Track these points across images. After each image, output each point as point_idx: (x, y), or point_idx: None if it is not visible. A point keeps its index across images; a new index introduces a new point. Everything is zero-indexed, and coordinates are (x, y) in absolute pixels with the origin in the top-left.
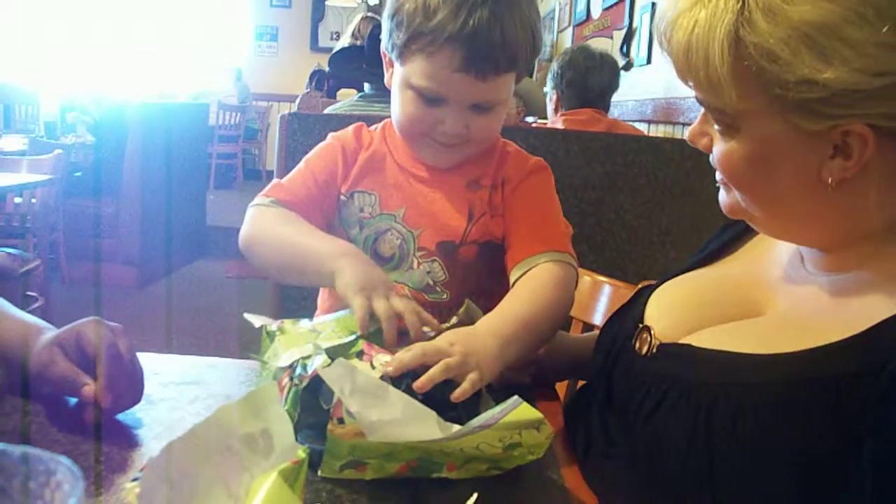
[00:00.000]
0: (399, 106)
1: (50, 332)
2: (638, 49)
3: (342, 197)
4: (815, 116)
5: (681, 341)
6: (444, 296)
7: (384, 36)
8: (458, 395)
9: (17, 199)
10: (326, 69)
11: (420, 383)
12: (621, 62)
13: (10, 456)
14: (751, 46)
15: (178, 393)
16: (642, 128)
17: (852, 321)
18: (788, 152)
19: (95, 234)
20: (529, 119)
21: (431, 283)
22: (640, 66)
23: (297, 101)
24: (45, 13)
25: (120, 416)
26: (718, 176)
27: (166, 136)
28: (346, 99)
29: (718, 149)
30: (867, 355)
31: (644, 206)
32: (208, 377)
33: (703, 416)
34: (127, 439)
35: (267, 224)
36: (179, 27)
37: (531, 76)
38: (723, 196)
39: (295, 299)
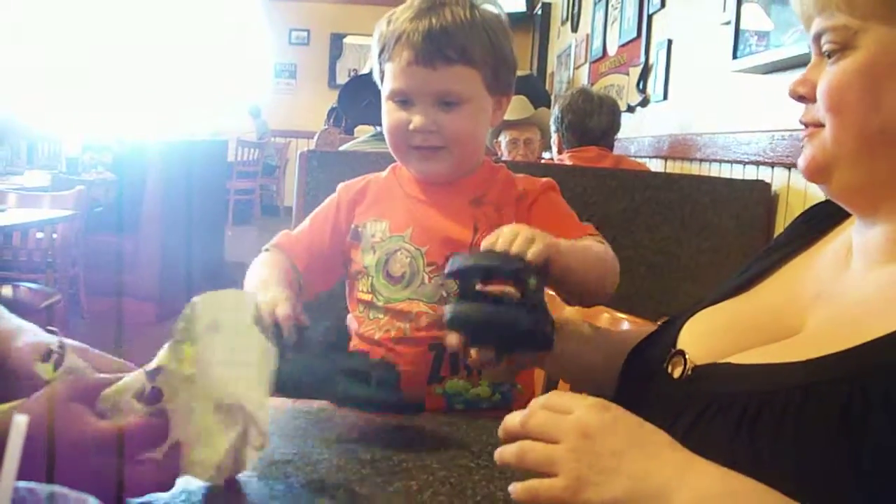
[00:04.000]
0: (384, 122)
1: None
2: (654, 85)
3: (357, 228)
4: None
5: (718, 361)
6: None
7: (374, 69)
8: (533, 255)
9: (39, 234)
10: None
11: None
12: (638, 98)
13: (37, 495)
14: None
15: None
16: (658, 163)
17: (891, 304)
18: None
19: (115, 269)
20: (546, 155)
21: (445, 294)
22: (657, 102)
23: (316, 137)
24: (68, 54)
25: None
26: (806, 122)
27: (186, 172)
28: (361, 136)
29: (828, 75)
30: None
31: (662, 243)
32: None
33: (746, 427)
34: None
35: (251, 268)
36: (199, 65)
37: (547, 105)
38: (805, 153)
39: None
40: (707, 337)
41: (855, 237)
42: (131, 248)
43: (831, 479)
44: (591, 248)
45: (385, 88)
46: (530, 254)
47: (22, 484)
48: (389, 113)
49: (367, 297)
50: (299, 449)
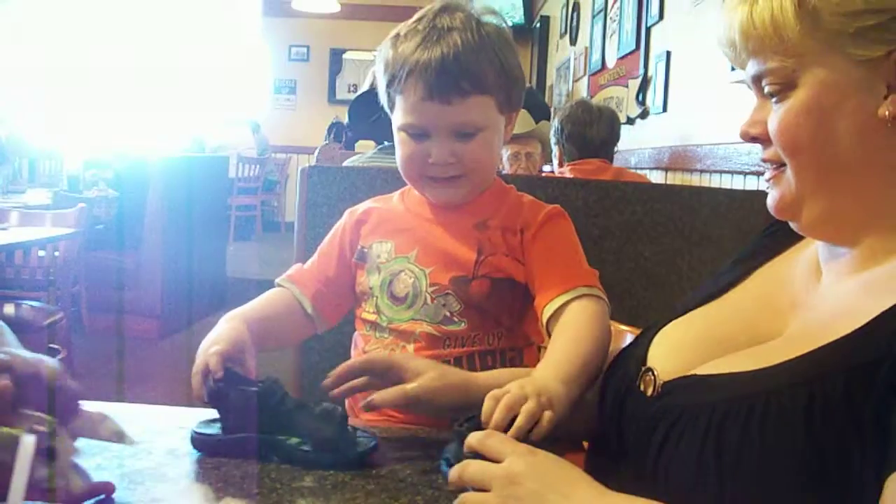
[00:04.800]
0: (398, 150)
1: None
2: (654, 97)
3: (363, 249)
4: (872, 43)
5: (686, 374)
6: (462, 325)
7: (381, 94)
8: (537, 434)
9: (41, 252)
10: (344, 121)
11: (514, 433)
12: (637, 110)
13: None
14: None
15: None
16: (659, 175)
17: (858, 315)
18: (846, 92)
19: (117, 286)
20: (546, 168)
21: (448, 314)
22: (657, 114)
23: (316, 152)
24: (68, 71)
25: (144, 471)
26: (769, 167)
27: (187, 188)
28: (365, 150)
29: (776, 117)
30: (870, 346)
31: (664, 255)
32: None
33: (712, 437)
34: (152, 493)
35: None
36: (199, 81)
37: (547, 118)
38: (771, 195)
39: (317, 350)
40: (675, 350)
41: (821, 253)
42: (133, 264)
43: (796, 484)
44: (587, 336)
45: (397, 119)
46: (535, 435)
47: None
48: (404, 144)
49: (373, 317)
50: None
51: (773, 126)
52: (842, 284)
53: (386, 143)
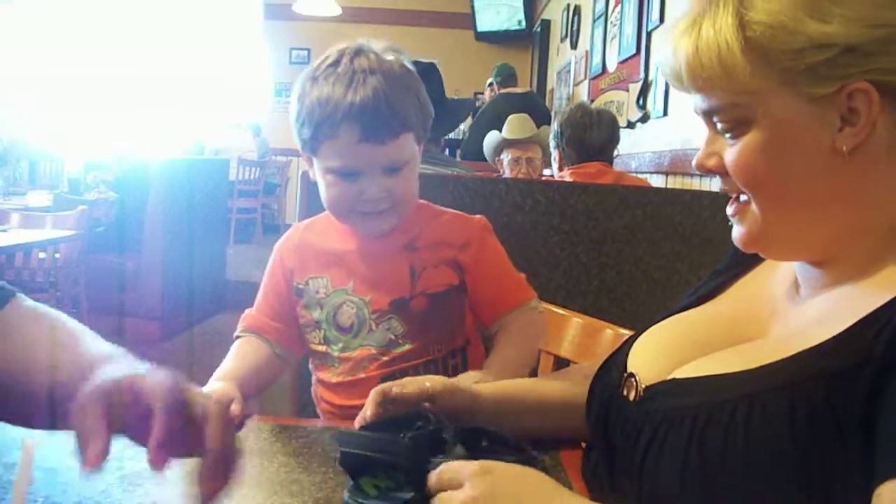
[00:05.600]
0: (325, 191)
1: (113, 365)
2: (654, 101)
3: (299, 285)
4: (823, 80)
5: (667, 378)
6: (407, 346)
7: (297, 141)
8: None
9: (42, 254)
10: None
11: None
12: (638, 115)
13: None
14: (756, 25)
15: None
16: (660, 179)
17: (835, 323)
18: (801, 129)
19: (118, 288)
20: (547, 172)
21: (393, 337)
22: (657, 118)
23: None
24: (69, 74)
25: (144, 472)
26: (731, 205)
27: (187, 191)
28: None
29: (731, 154)
30: (850, 352)
31: (664, 258)
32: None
33: (696, 440)
34: (152, 496)
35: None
36: (200, 84)
37: (548, 123)
38: (737, 229)
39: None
40: (656, 354)
41: (797, 269)
42: (133, 267)
43: (781, 486)
44: (518, 354)
45: (326, 162)
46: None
47: None
48: (333, 185)
49: (322, 348)
50: (304, 467)
51: (730, 161)
52: (819, 296)
53: None
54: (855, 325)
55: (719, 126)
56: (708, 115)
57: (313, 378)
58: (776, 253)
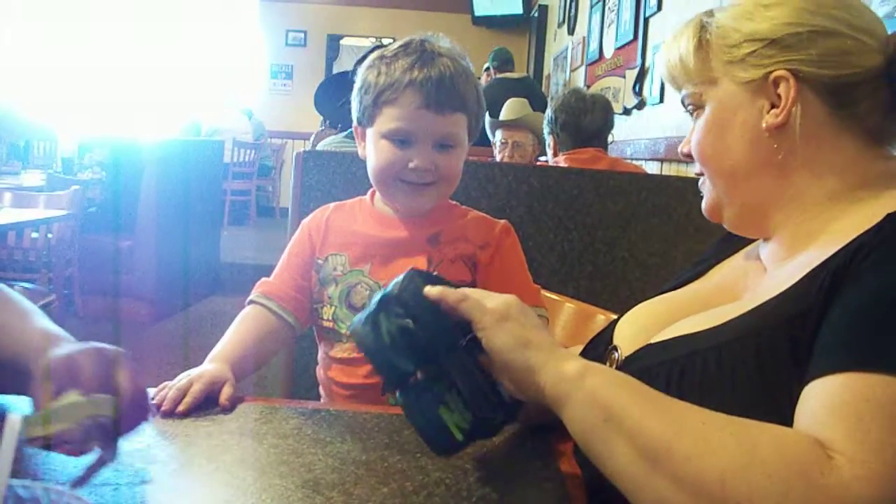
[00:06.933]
0: (374, 157)
1: (66, 342)
2: (651, 88)
3: (318, 261)
4: (751, 68)
5: (643, 345)
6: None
7: (354, 113)
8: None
9: (34, 234)
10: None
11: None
12: (634, 101)
13: (32, 491)
14: (710, 27)
15: (193, 429)
16: (655, 166)
17: (791, 282)
18: (736, 109)
19: (111, 269)
20: (542, 158)
21: None
22: (653, 104)
23: (312, 138)
24: (64, 53)
25: (134, 452)
26: (696, 173)
27: (182, 172)
28: (337, 136)
29: (694, 133)
30: (800, 299)
31: (658, 245)
32: (223, 413)
33: (674, 391)
34: (142, 475)
35: (233, 323)
36: (195, 65)
37: (544, 109)
38: (704, 200)
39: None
40: (636, 329)
41: (761, 251)
42: (127, 248)
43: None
44: None
45: (382, 127)
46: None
47: (16, 482)
48: (385, 150)
49: (330, 324)
50: (294, 449)
51: (692, 140)
52: (781, 268)
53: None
54: (803, 278)
55: (688, 109)
56: (684, 105)
57: (319, 354)
58: (728, 221)
